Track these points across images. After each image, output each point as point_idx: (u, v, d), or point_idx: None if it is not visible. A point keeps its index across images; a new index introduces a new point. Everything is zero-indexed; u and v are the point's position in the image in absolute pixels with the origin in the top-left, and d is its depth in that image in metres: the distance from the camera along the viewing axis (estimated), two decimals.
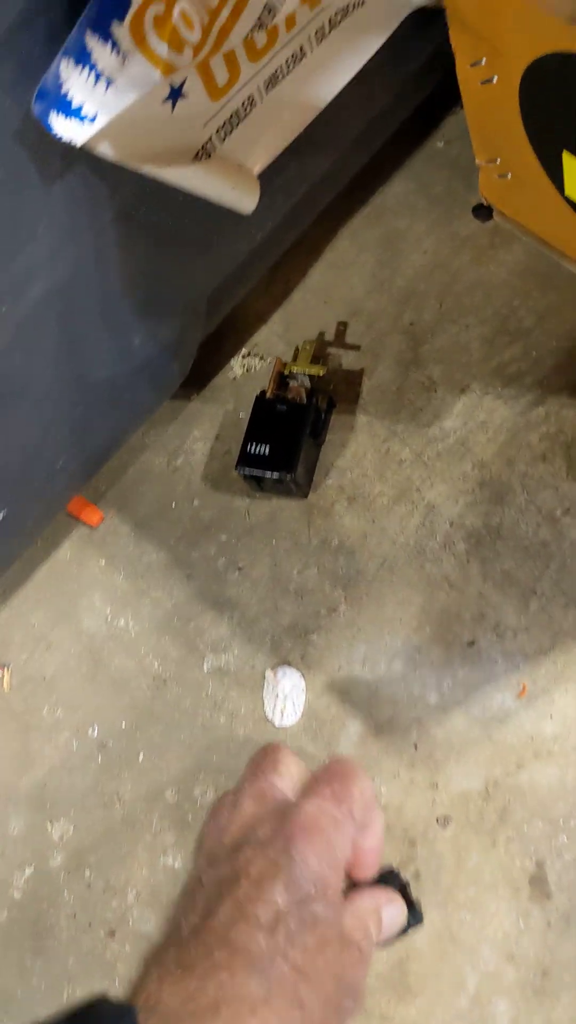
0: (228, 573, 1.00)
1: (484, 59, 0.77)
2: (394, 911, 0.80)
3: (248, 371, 1.05)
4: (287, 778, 0.81)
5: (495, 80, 0.78)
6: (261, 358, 1.04)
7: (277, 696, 0.93)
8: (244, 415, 1.01)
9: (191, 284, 0.87)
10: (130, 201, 0.74)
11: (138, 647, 1.00)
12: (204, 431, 1.06)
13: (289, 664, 0.93)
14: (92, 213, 0.73)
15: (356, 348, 0.99)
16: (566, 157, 0.80)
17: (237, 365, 1.06)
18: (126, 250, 0.78)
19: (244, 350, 1.05)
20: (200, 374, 0.98)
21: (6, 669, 1.04)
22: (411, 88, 0.90)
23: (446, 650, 0.89)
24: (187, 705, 0.96)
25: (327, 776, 0.77)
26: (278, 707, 0.92)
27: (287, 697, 0.92)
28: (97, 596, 1.04)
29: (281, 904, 0.66)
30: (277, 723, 0.92)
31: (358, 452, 0.97)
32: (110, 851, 0.95)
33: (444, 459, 0.94)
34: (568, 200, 0.84)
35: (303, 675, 0.93)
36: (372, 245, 1.00)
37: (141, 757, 0.97)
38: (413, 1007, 0.80)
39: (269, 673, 0.93)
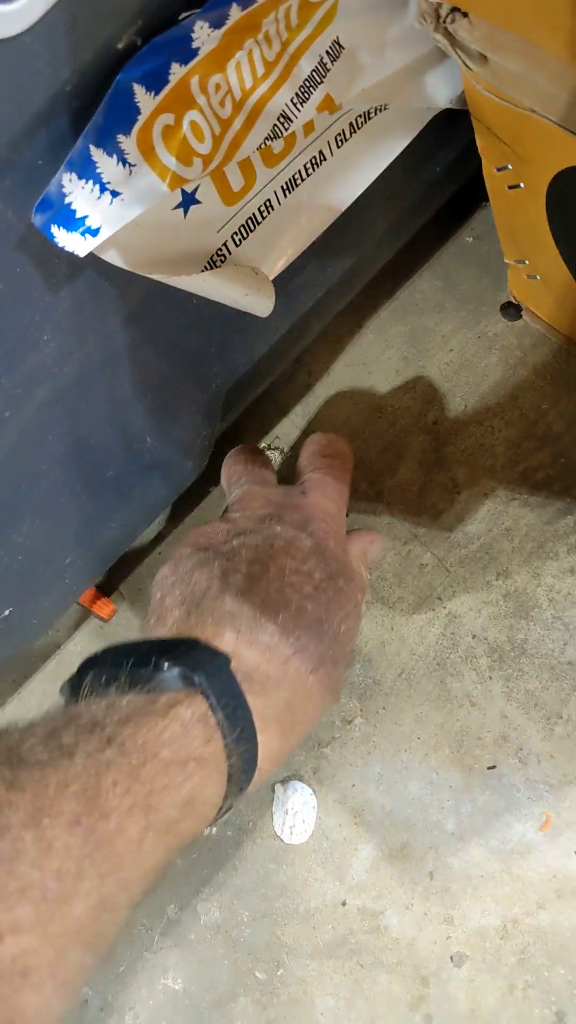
0: None
1: (510, 165, 0.74)
2: (376, 548, 0.86)
3: None
4: (270, 466, 0.89)
5: (522, 186, 0.75)
6: (281, 451, 1.01)
7: (287, 812, 0.88)
8: None
9: (205, 385, 0.84)
10: (139, 305, 0.72)
11: None
12: None
13: (300, 778, 0.89)
14: (100, 317, 0.71)
15: (378, 446, 0.96)
16: None
17: None
18: (135, 354, 0.75)
19: (264, 443, 1.02)
20: (218, 466, 0.95)
21: None
22: (438, 186, 0.87)
23: (465, 773, 0.84)
24: None
25: (327, 458, 0.83)
26: (287, 823, 0.88)
27: (297, 813, 0.87)
28: None
29: (318, 579, 0.69)
30: (286, 840, 0.88)
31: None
32: (108, 967, 0.90)
33: (467, 566, 0.89)
34: None
35: (314, 791, 0.88)
36: (398, 341, 0.97)
37: None
38: None
39: (279, 787, 0.89)
